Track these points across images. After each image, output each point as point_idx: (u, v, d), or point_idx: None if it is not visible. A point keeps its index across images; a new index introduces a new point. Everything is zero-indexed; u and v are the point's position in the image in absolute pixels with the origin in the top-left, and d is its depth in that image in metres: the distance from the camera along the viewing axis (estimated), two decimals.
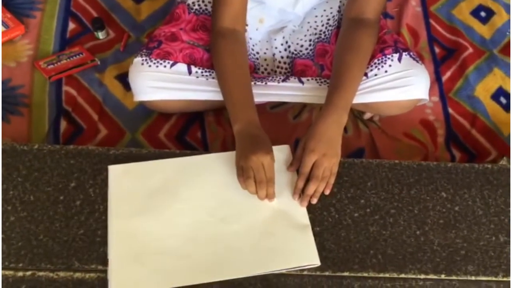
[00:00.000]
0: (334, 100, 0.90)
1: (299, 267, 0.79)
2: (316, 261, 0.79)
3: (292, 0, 1.05)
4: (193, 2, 1.03)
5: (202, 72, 0.97)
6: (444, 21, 1.32)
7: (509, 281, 0.82)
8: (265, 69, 1.07)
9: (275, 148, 0.90)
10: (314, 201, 0.86)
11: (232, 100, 0.90)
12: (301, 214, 0.84)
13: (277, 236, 0.81)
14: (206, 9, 1.03)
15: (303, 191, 0.86)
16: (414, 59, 0.98)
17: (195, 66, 0.97)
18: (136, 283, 0.75)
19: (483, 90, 1.18)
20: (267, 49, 1.07)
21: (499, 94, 1.18)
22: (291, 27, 1.08)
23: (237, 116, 0.88)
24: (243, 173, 0.83)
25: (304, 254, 0.80)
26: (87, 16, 1.24)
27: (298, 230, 0.82)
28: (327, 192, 0.87)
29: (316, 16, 1.06)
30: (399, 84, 0.95)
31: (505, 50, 1.27)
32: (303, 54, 1.05)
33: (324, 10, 1.06)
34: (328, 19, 1.05)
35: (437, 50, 1.26)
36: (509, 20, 1.33)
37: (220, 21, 0.94)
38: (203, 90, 0.97)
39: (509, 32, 1.30)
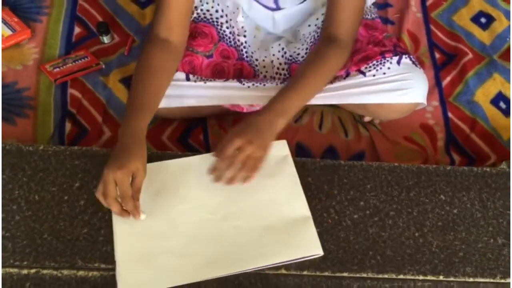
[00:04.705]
0: (273, 104, 0.88)
1: (303, 257, 0.80)
2: (319, 251, 0.81)
3: (270, 23, 1.08)
4: (192, 7, 1.05)
5: (201, 78, 0.99)
6: (444, 27, 1.34)
7: (507, 283, 0.83)
8: (264, 76, 1.09)
9: (272, 144, 0.91)
10: (226, 183, 0.82)
11: (129, 101, 0.86)
12: (302, 206, 0.86)
13: (279, 229, 0.82)
14: (205, 17, 1.05)
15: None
16: (413, 62, 1.00)
17: (194, 76, 0.99)
18: (143, 283, 0.77)
19: (483, 95, 1.19)
20: (265, 56, 1.09)
21: (499, 99, 1.19)
22: (287, 38, 1.10)
23: (124, 119, 0.82)
24: (98, 185, 0.78)
25: (307, 245, 0.81)
26: (93, 20, 1.26)
27: (300, 222, 0.84)
28: (245, 183, 0.83)
29: (309, 26, 1.07)
30: (397, 87, 0.96)
31: (505, 55, 1.28)
32: (300, 59, 1.07)
33: (317, 19, 1.06)
34: (319, 27, 1.06)
35: (437, 55, 1.27)
36: (509, 26, 1.34)
37: (155, 28, 0.92)
38: (201, 96, 0.98)
39: (509, 38, 1.32)
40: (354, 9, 0.94)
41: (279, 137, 0.95)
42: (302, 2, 1.04)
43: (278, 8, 1.06)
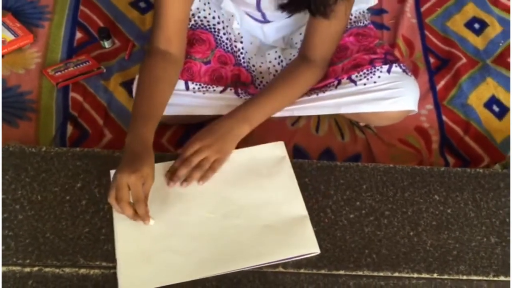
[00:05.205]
0: (237, 111, 0.94)
1: (300, 256, 0.82)
2: (316, 249, 0.83)
3: (260, 33, 1.12)
4: (189, 18, 1.07)
5: (199, 88, 1.01)
6: (438, 33, 1.36)
7: (500, 281, 0.85)
8: (261, 82, 1.11)
9: (270, 145, 0.94)
10: (184, 185, 0.86)
11: (134, 111, 0.87)
12: (299, 206, 0.88)
13: (277, 228, 0.84)
14: (202, 24, 1.07)
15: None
16: (403, 70, 1.02)
17: (193, 82, 1.01)
18: (144, 281, 0.78)
19: (476, 98, 1.22)
20: (262, 63, 1.12)
21: (492, 102, 1.22)
22: (281, 46, 1.13)
23: (130, 128, 0.84)
24: (110, 190, 0.79)
25: (304, 244, 0.83)
26: (94, 26, 1.29)
27: (297, 221, 0.86)
28: (201, 183, 0.87)
29: (301, 34, 1.09)
30: (388, 95, 0.99)
31: (498, 60, 1.31)
32: None
33: None
34: None
35: (431, 60, 1.30)
36: (502, 32, 1.37)
37: (154, 41, 0.94)
38: (200, 105, 1.01)
39: (502, 43, 1.35)
40: (330, 36, 0.97)
41: (277, 139, 0.98)
42: (290, 16, 1.07)
43: (266, 21, 1.08)
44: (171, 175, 0.88)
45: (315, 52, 0.99)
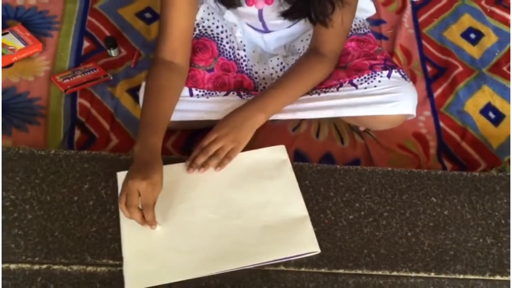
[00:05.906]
0: (252, 102, 0.99)
1: (300, 255, 0.84)
2: (316, 249, 0.85)
3: (261, 42, 1.16)
4: (193, 28, 1.10)
5: (203, 94, 1.05)
6: (435, 42, 1.40)
7: (496, 280, 0.87)
8: (263, 88, 1.15)
9: (271, 149, 0.97)
10: (201, 170, 0.93)
11: (142, 120, 0.91)
12: (300, 207, 0.90)
13: (278, 228, 0.87)
14: (206, 32, 1.10)
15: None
16: (402, 76, 1.05)
17: (196, 89, 1.04)
18: (148, 278, 0.81)
19: (473, 105, 1.25)
20: (265, 69, 1.15)
21: (488, 109, 1.25)
22: (283, 53, 1.17)
23: (139, 137, 0.87)
24: (120, 195, 0.81)
25: (305, 243, 0.85)
26: (101, 35, 1.33)
27: (298, 221, 0.88)
28: (218, 169, 0.93)
29: (302, 41, 1.13)
30: (387, 99, 1.01)
31: (494, 69, 1.34)
32: None
33: (310, 34, 1.12)
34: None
35: (429, 68, 1.33)
36: (497, 42, 1.41)
37: (159, 52, 0.98)
38: (204, 110, 1.04)
39: (498, 52, 1.38)
40: (339, 33, 1.02)
41: (278, 144, 1.01)
42: (290, 26, 1.10)
43: (267, 31, 1.12)
44: (190, 163, 0.93)
45: (326, 48, 1.04)
